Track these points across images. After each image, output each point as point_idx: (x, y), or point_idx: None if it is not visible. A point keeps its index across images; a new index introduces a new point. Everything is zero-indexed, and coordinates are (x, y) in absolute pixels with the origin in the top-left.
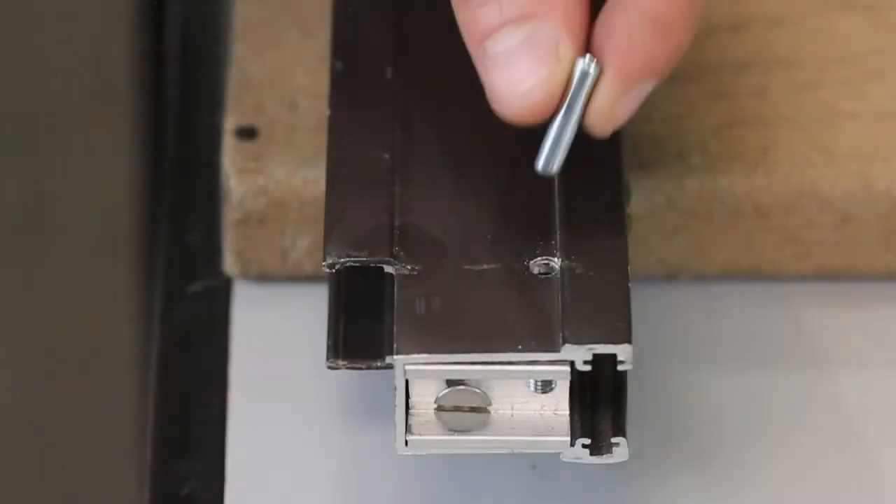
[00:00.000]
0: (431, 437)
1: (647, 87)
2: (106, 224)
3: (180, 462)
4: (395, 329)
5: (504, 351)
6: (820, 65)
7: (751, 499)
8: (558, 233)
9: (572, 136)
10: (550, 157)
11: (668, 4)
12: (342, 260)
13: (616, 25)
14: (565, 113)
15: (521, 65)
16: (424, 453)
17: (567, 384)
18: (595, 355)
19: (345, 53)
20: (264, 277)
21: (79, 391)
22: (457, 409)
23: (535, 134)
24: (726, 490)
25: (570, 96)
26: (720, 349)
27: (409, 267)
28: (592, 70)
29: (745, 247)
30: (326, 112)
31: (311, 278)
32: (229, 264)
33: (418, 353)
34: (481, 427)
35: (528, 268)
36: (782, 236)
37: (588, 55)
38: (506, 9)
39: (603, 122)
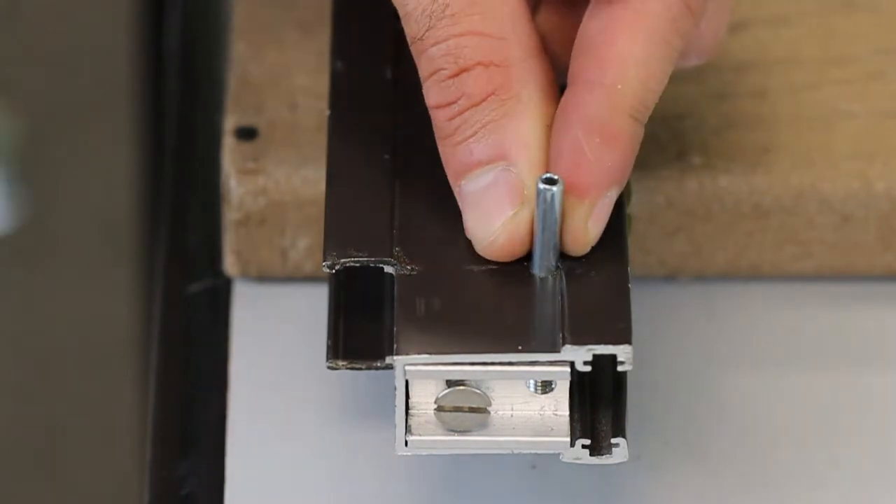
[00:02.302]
0: (431, 438)
1: (612, 196)
2: (106, 224)
3: (180, 462)
4: (395, 329)
5: (504, 351)
6: (820, 65)
7: (751, 499)
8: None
9: (557, 242)
10: (542, 262)
11: (610, 112)
12: (342, 260)
13: (565, 145)
14: (543, 232)
15: (488, 205)
16: (424, 453)
17: (567, 384)
18: (595, 356)
19: (345, 54)
20: (264, 277)
21: (79, 391)
22: (457, 409)
23: None
24: (726, 490)
25: (542, 218)
26: (720, 349)
27: (408, 267)
28: (556, 189)
29: (745, 247)
30: (326, 112)
31: (310, 278)
32: (229, 264)
33: (418, 353)
34: (481, 427)
35: (528, 268)
36: (782, 236)
37: (547, 176)
38: (477, 149)
39: (581, 243)
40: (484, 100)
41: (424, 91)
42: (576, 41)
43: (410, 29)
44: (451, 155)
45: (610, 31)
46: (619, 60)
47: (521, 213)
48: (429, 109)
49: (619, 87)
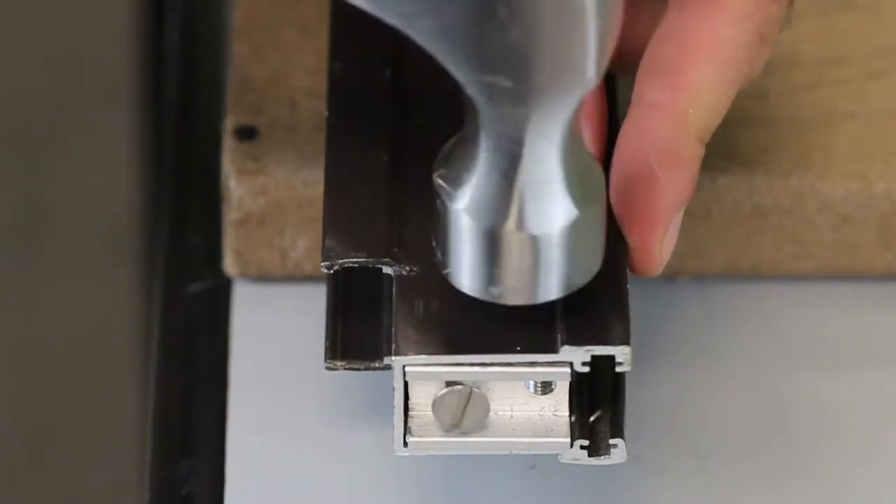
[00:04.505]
0: (430, 439)
1: (681, 216)
2: (106, 224)
3: (180, 462)
4: (393, 330)
5: (503, 352)
6: (819, 65)
7: (750, 499)
8: None
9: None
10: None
11: (680, 136)
12: (341, 261)
13: (637, 168)
14: None
15: None
16: (423, 454)
17: (567, 385)
18: (594, 356)
19: (343, 54)
20: (264, 277)
21: (79, 391)
22: (456, 410)
23: None
24: (725, 491)
25: None
26: (720, 349)
27: (407, 268)
28: None
29: (744, 247)
30: (326, 113)
31: (310, 278)
32: (229, 264)
33: (417, 354)
34: (481, 428)
35: None
36: (782, 236)
37: None
38: None
39: (655, 266)
40: None
41: None
42: (645, 61)
43: None
44: None
45: (685, 55)
46: (693, 85)
47: None
48: None
49: (691, 111)
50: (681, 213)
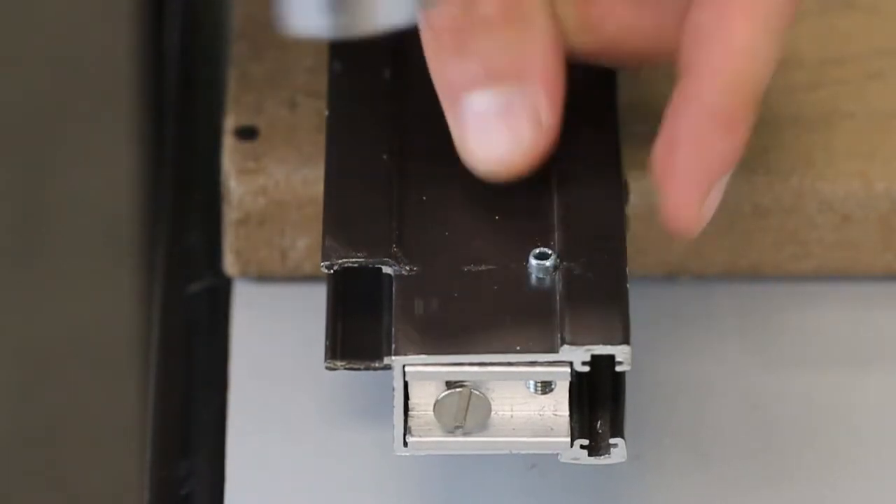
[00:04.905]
0: (430, 439)
1: (725, 181)
2: (106, 224)
3: (180, 462)
4: (393, 330)
5: (503, 352)
6: (819, 65)
7: (750, 499)
8: (557, 233)
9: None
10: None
11: (731, 99)
12: (340, 261)
13: (687, 130)
14: None
15: (500, 128)
16: (423, 454)
17: (567, 385)
18: (593, 356)
19: (343, 54)
20: (264, 277)
21: (79, 391)
22: (456, 409)
23: None
24: (726, 490)
25: None
26: (720, 349)
27: (407, 268)
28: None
29: (744, 247)
30: (326, 113)
31: (310, 278)
32: (229, 264)
33: (417, 353)
34: (481, 428)
35: (526, 268)
36: (782, 236)
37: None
38: (484, 66)
39: (694, 226)
40: (501, 22)
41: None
42: (686, 32)
43: None
44: (449, 71)
45: (726, 21)
46: (740, 47)
47: (539, 141)
48: (429, 28)
49: (741, 75)
50: (724, 181)
